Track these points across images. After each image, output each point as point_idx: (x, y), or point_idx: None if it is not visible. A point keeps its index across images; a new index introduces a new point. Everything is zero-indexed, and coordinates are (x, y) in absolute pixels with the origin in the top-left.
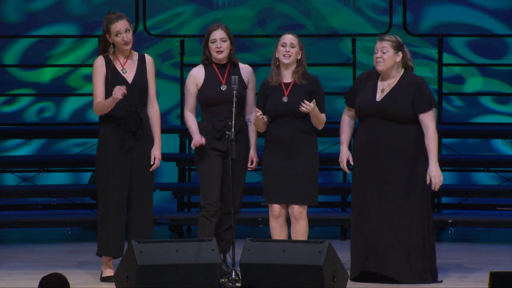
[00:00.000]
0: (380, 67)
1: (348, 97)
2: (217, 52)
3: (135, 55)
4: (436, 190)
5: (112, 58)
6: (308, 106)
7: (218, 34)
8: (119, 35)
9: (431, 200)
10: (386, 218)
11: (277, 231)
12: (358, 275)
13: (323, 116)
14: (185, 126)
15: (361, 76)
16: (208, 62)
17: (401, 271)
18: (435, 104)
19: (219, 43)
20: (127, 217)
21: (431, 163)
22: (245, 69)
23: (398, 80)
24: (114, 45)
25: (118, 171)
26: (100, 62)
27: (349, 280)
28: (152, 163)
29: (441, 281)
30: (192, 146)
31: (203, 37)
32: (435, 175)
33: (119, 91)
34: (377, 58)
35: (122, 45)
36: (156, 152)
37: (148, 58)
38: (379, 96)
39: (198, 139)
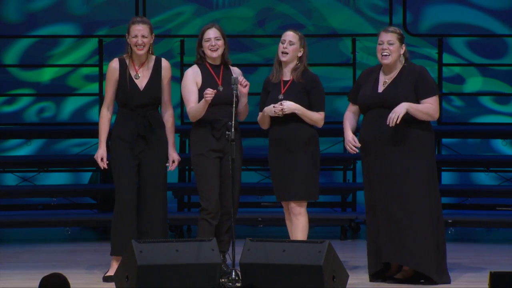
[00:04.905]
0: (386, 60)
1: (351, 93)
2: (211, 50)
3: (152, 60)
4: (393, 120)
5: (127, 62)
6: (281, 108)
7: (212, 33)
8: (135, 37)
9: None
10: (393, 213)
11: (289, 228)
12: (381, 268)
13: (314, 115)
14: (185, 127)
15: (363, 73)
16: (202, 62)
17: (422, 262)
18: (438, 91)
19: (213, 41)
20: (139, 220)
21: (406, 104)
22: (235, 71)
23: (400, 71)
24: (131, 47)
25: (128, 174)
26: (113, 66)
27: (355, 280)
28: (170, 166)
29: (449, 282)
30: (209, 95)
31: None
32: (399, 108)
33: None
34: (383, 50)
35: (135, 47)
36: (174, 155)
37: (165, 63)
38: (381, 88)
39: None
